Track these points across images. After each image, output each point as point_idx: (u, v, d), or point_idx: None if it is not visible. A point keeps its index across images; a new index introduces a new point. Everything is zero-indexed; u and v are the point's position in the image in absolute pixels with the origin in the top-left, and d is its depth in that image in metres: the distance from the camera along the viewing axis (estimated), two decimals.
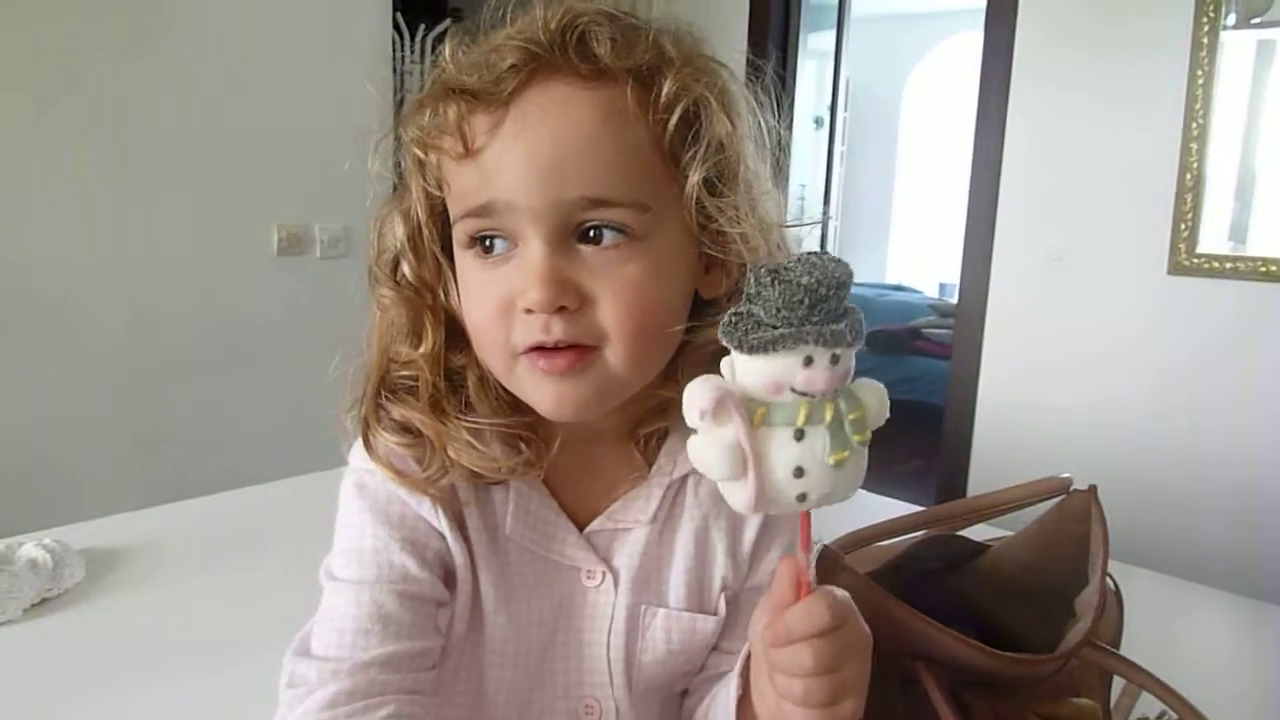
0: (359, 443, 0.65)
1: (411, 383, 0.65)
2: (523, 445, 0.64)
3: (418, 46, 3.30)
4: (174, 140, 2.60)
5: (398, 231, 0.65)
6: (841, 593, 0.53)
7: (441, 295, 0.65)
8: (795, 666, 0.52)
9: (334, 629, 0.61)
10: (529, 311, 0.58)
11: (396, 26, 3.17)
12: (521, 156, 0.57)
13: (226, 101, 2.68)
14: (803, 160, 3.96)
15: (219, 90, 2.67)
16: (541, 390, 0.60)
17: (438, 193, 0.63)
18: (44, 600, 1.16)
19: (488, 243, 0.60)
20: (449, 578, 0.64)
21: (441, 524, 0.63)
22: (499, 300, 0.59)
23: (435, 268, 0.65)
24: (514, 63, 0.58)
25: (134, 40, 2.50)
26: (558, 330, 0.58)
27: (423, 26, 3.26)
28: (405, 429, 0.64)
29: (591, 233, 0.58)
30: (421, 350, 0.64)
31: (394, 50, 3.15)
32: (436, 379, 0.64)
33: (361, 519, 0.63)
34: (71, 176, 2.43)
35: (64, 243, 2.44)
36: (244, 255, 2.82)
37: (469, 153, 0.58)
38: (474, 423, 0.63)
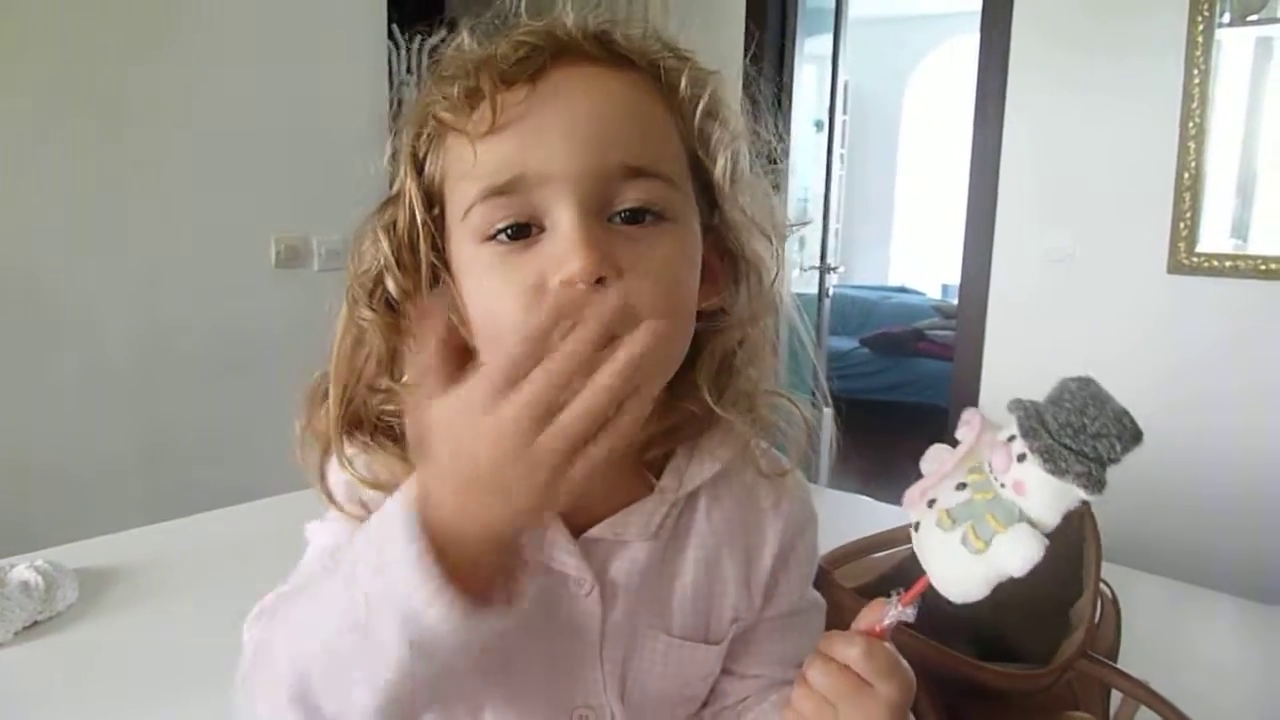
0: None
1: (391, 419, 0.60)
2: None
3: (413, 58, 3.30)
4: (171, 152, 2.59)
5: (381, 246, 0.61)
6: (902, 668, 0.57)
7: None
8: (812, 677, 0.57)
9: None
10: (567, 285, 0.54)
11: (392, 38, 3.17)
12: (558, 123, 0.55)
13: (223, 114, 2.68)
14: (805, 164, 3.94)
15: (216, 103, 2.67)
16: None
17: (438, 190, 0.60)
18: (36, 623, 1.15)
19: (510, 231, 0.56)
20: None
21: None
22: (528, 282, 0.55)
23: (430, 281, 0.60)
24: (540, 44, 0.57)
25: (133, 55, 2.50)
26: None
27: (419, 38, 3.27)
28: (376, 482, 0.59)
29: (625, 213, 0.56)
30: (407, 379, 0.59)
31: (389, 62, 3.14)
32: None
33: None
34: (71, 188, 2.43)
35: (63, 254, 2.44)
36: (243, 268, 2.81)
37: (495, 126, 0.55)
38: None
